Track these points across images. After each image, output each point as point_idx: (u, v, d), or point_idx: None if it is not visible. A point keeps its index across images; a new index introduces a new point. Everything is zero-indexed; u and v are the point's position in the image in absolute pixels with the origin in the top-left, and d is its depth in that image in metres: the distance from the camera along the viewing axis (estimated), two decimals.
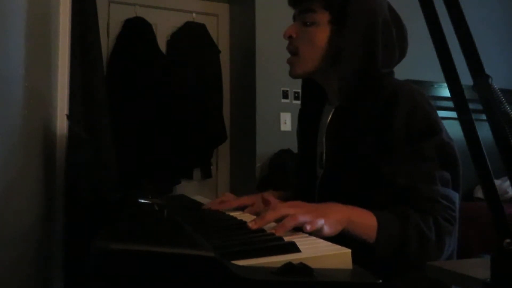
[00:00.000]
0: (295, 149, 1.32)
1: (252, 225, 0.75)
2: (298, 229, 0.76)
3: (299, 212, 0.77)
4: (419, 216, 0.87)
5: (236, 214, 0.98)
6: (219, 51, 3.36)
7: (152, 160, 3.03)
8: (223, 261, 0.48)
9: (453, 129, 0.98)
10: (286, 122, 3.04)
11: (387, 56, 1.02)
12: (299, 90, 1.25)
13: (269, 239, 0.68)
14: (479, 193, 3.21)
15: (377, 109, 0.97)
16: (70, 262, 1.22)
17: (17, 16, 0.77)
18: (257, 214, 1.06)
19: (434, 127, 0.95)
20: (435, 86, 3.32)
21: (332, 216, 0.81)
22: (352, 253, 0.59)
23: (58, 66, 1.27)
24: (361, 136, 0.99)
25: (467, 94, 0.52)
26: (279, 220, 0.76)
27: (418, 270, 0.90)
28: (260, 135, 2.99)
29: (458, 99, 0.52)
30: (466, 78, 0.52)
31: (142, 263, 0.45)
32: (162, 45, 3.24)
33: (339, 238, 0.77)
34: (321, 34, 1.04)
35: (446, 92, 3.17)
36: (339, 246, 0.62)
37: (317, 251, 0.60)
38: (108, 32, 3.15)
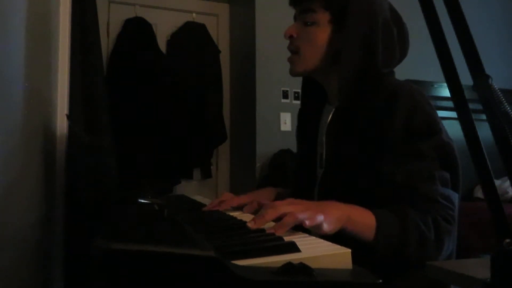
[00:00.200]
0: (295, 149, 1.32)
1: (252, 225, 0.75)
2: (298, 227, 0.76)
3: (298, 210, 0.76)
4: (418, 216, 0.87)
5: (236, 214, 0.98)
6: (219, 51, 3.36)
7: (152, 160, 3.03)
8: (223, 261, 0.48)
9: (453, 129, 0.98)
10: (286, 122, 3.04)
11: (387, 56, 1.02)
12: (299, 90, 1.25)
13: (269, 239, 0.68)
14: (479, 193, 3.21)
15: (377, 109, 0.97)
16: (70, 262, 1.22)
17: (17, 16, 0.77)
18: (255, 212, 1.06)
19: (434, 127, 0.95)
20: (435, 86, 3.32)
21: (331, 214, 0.80)
22: (352, 253, 0.59)
23: (58, 66, 1.27)
24: (361, 136, 0.99)
25: (467, 94, 0.52)
26: (278, 219, 0.76)
27: (418, 270, 0.90)
28: (260, 135, 2.99)
29: (458, 99, 0.52)
30: (466, 78, 0.52)
31: (142, 263, 0.45)
32: (162, 45, 3.24)
33: (339, 238, 0.77)
34: (322, 34, 1.04)
35: (446, 92, 3.17)
36: (339, 246, 0.62)
37: (317, 251, 0.60)
38: (108, 32, 3.15)
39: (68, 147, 1.24)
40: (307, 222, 0.75)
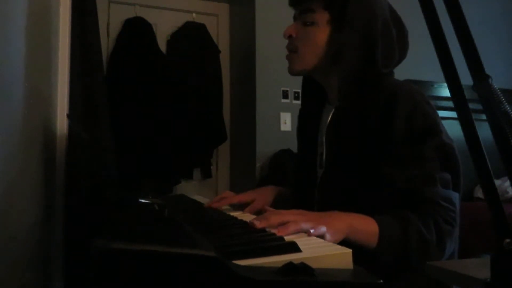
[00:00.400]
0: (295, 149, 1.32)
1: (258, 224, 0.75)
2: None
3: (302, 220, 0.77)
4: (420, 220, 0.88)
5: (236, 214, 0.98)
6: (219, 51, 3.36)
7: (152, 160, 3.03)
8: (224, 260, 0.48)
9: (453, 129, 0.98)
10: (286, 122, 3.04)
11: (387, 56, 1.02)
12: (299, 90, 1.25)
13: (270, 239, 0.68)
14: (479, 193, 3.21)
15: (377, 109, 0.97)
16: (70, 262, 1.22)
17: (17, 16, 0.77)
18: (257, 212, 1.06)
19: (434, 128, 0.95)
20: (435, 86, 3.32)
21: (334, 225, 0.81)
22: (353, 254, 0.59)
23: (58, 66, 1.27)
24: (361, 136, 0.99)
25: (467, 94, 0.52)
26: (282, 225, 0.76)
27: (418, 270, 0.90)
28: (260, 135, 2.99)
29: (458, 99, 0.52)
30: (466, 78, 0.52)
31: (142, 263, 0.45)
32: (162, 45, 3.24)
33: (341, 240, 0.78)
34: (321, 34, 1.04)
35: (446, 92, 3.17)
36: (339, 246, 0.62)
37: (318, 251, 0.60)
38: (108, 32, 3.15)
39: (68, 147, 1.24)
40: (312, 231, 0.75)
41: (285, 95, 3.05)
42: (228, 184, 3.39)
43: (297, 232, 0.74)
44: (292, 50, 1.08)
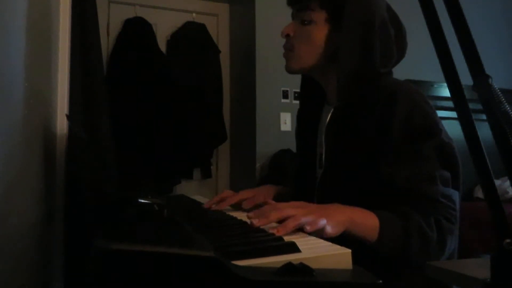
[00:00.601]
0: (295, 149, 1.32)
1: (256, 222, 0.75)
2: (299, 229, 0.76)
3: (302, 213, 0.77)
4: (420, 216, 0.88)
5: (236, 214, 0.98)
6: (219, 51, 3.36)
7: (152, 160, 3.03)
8: (223, 261, 0.48)
9: (453, 129, 0.98)
10: (286, 122, 3.04)
11: (385, 56, 1.02)
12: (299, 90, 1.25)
13: (269, 239, 0.68)
14: (479, 193, 3.21)
15: (376, 109, 0.97)
16: (70, 262, 1.22)
17: (17, 16, 0.77)
18: (256, 206, 1.05)
19: (433, 127, 0.95)
20: (435, 86, 3.32)
21: (334, 217, 0.81)
22: (353, 253, 0.59)
23: (58, 66, 1.27)
24: (360, 136, 0.99)
25: (467, 94, 0.52)
26: (281, 221, 0.76)
27: (418, 270, 0.90)
28: (260, 135, 2.99)
29: (458, 99, 0.52)
30: (466, 78, 0.52)
31: (142, 263, 0.45)
32: (162, 45, 3.24)
33: (340, 239, 0.77)
34: (319, 32, 1.04)
35: (446, 92, 3.17)
36: (339, 246, 0.62)
37: (317, 251, 0.60)
38: (108, 32, 3.15)
39: (68, 147, 1.24)
40: (308, 227, 0.75)
41: (285, 95, 3.05)
42: (228, 184, 3.39)
43: (297, 227, 0.74)
44: (289, 49, 1.08)
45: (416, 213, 0.88)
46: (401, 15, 1.09)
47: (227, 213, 1.03)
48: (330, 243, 0.65)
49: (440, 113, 1.01)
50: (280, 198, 1.21)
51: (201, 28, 3.33)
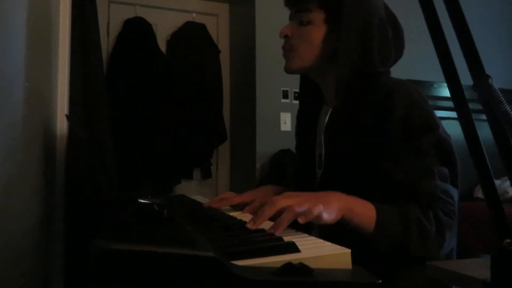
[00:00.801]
0: (295, 149, 1.32)
1: (251, 225, 0.75)
2: (300, 225, 0.76)
3: (296, 203, 0.76)
4: (419, 210, 0.88)
5: (236, 214, 0.98)
6: (219, 51, 3.36)
7: (152, 160, 3.03)
8: (223, 261, 0.48)
9: (453, 129, 0.98)
10: (286, 122, 3.04)
11: (383, 55, 1.02)
12: None
13: (269, 239, 0.67)
14: (479, 193, 3.21)
15: (374, 107, 0.98)
16: (70, 262, 1.22)
17: (17, 16, 0.77)
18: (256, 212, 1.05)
19: (431, 123, 0.95)
20: (435, 86, 3.32)
21: (331, 204, 0.81)
22: (352, 253, 0.59)
23: (58, 66, 1.27)
24: (359, 135, 0.99)
25: (467, 94, 0.52)
26: (278, 215, 0.76)
27: (418, 269, 0.90)
28: (260, 135, 2.99)
29: (458, 99, 0.52)
30: (466, 78, 0.52)
31: (142, 263, 0.45)
32: (162, 45, 3.24)
33: (339, 237, 0.77)
34: (317, 33, 1.04)
35: (446, 92, 3.17)
36: (338, 246, 0.62)
37: (316, 251, 0.60)
38: (108, 32, 3.15)
39: (68, 147, 1.24)
40: (300, 221, 0.75)
41: (285, 95, 3.05)
42: (228, 184, 3.39)
43: (294, 218, 0.74)
44: (288, 50, 1.08)
45: (414, 206, 0.88)
46: (401, 15, 1.09)
47: (227, 213, 1.03)
48: (329, 243, 0.65)
49: (440, 113, 1.01)
50: None
51: (201, 28, 3.33)
